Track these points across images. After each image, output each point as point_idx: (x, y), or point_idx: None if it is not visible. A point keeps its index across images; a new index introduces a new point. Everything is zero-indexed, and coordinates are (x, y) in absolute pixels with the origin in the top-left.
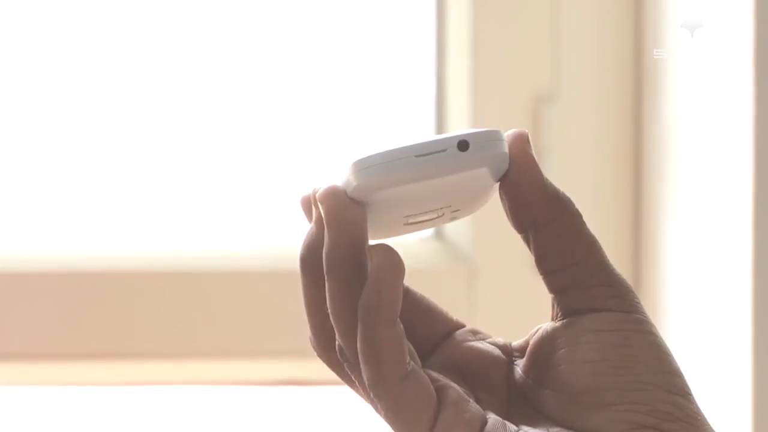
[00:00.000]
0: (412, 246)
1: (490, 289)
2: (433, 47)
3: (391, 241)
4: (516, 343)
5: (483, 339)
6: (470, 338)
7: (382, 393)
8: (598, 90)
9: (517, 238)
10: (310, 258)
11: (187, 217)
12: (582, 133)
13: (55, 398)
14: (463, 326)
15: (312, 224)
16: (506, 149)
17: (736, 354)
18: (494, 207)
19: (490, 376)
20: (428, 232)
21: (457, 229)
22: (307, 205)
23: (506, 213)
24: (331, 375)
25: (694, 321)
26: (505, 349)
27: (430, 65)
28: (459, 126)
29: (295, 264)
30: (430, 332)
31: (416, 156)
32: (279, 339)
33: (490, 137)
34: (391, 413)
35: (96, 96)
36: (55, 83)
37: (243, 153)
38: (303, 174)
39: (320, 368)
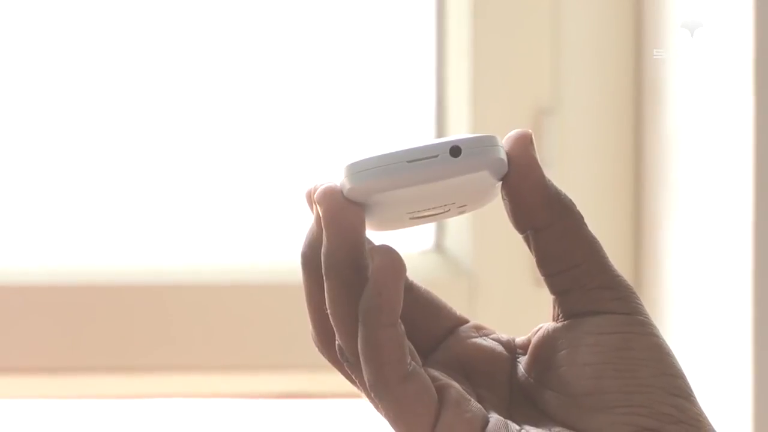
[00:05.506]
0: (412, 259)
1: (491, 303)
2: (433, 60)
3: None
4: (519, 339)
5: (487, 335)
6: (474, 334)
7: (383, 394)
8: (598, 102)
9: (517, 252)
10: (311, 254)
11: (187, 230)
12: (583, 146)
13: (55, 412)
14: (466, 321)
15: (313, 221)
16: (502, 155)
17: (737, 356)
18: (494, 220)
19: (492, 374)
20: (429, 245)
21: (457, 242)
22: (311, 198)
23: (507, 214)
24: (332, 388)
25: (694, 326)
26: (509, 345)
27: (431, 78)
28: None
29: (295, 278)
30: (434, 327)
31: (408, 161)
32: (279, 352)
33: (484, 143)
34: (392, 414)
35: (94, 108)
36: (51, 95)
37: (243, 166)
38: (304, 186)
39: (321, 381)
